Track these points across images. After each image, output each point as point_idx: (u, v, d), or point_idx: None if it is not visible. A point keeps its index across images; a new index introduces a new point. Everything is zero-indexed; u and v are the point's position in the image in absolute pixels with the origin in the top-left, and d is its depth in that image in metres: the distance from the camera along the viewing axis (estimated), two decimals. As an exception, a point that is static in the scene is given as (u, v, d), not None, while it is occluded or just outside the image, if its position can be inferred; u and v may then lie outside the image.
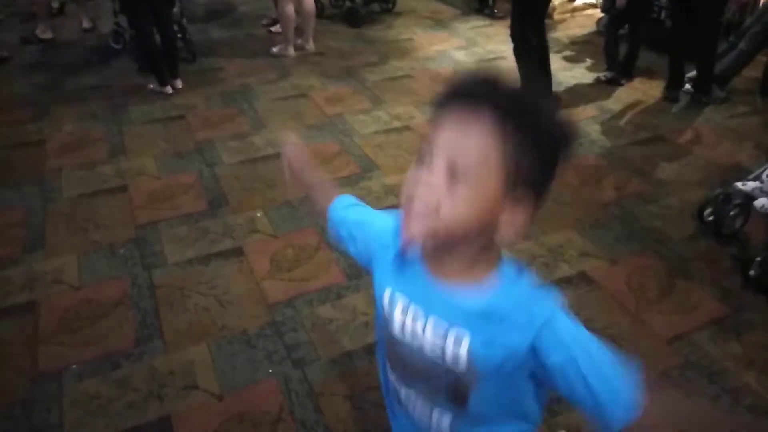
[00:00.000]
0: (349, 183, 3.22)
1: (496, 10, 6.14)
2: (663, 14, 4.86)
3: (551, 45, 4.50)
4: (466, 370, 0.85)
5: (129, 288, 2.48)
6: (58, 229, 2.86)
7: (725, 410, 1.96)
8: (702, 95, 4.20)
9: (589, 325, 2.40)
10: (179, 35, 4.63)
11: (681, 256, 2.70)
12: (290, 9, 4.81)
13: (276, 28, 5.44)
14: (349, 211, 1.10)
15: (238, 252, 2.70)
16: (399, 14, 6.21)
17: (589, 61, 5.02)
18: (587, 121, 3.95)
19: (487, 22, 6.05)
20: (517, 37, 3.95)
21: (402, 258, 0.90)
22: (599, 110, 4.15)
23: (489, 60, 5.00)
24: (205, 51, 5.08)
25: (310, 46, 5.15)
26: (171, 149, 3.59)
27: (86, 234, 2.82)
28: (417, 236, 0.79)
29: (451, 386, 0.88)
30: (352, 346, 2.20)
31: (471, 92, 0.78)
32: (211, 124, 3.89)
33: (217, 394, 2.01)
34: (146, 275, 2.56)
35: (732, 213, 2.73)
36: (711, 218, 2.81)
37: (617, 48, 4.51)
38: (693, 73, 4.26)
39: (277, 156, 3.45)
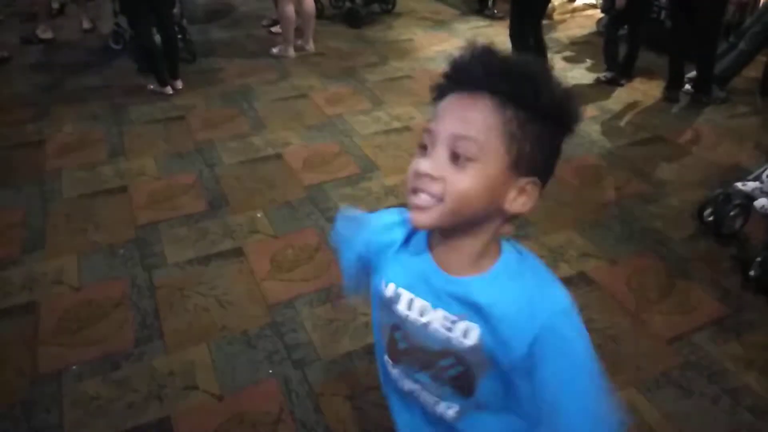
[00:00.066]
0: (349, 183, 3.22)
1: (495, 11, 6.15)
2: (663, 14, 4.87)
3: (551, 45, 4.52)
4: (471, 362, 0.85)
5: (129, 288, 2.48)
6: (58, 229, 2.86)
7: (725, 411, 1.97)
8: (702, 95, 4.20)
9: (590, 325, 2.40)
10: (179, 36, 4.63)
11: (681, 257, 2.70)
12: (290, 10, 4.82)
13: (276, 29, 5.44)
14: (350, 213, 1.09)
15: (238, 252, 2.70)
16: (399, 15, 6.21)
17: (588, 62, 5.02)
18: (587, 121, 3.95)
19: (487, 22, 6.06)
20: (515, 37, 3.95)
21: (406, 251, 0.90)
22: (599, 110, 4.15)
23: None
24: (205, 51, 5.08)
25: (310, 46, 5.15)
26: (171, 150, 3.59)
27: (86, 234, 2.82)
28: (425, 224, 0.79)
29: (456, 378, 0.88)
30: (352, 346, 2.20)
31: (468, 78, 0.77)
32: (211, 125, 3.89)
33: (217, 395, 2.01)
34: (146, 276, 2.55)
35: (732, 213, 2.73)
36: (711, 218, 2.81)
37: (617, 48, 4.51)
38: (693, 74, 4.26)
39: (278, 156, 3.48)
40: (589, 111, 4.12)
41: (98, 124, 3.89)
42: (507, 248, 0.85)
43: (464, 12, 6.37)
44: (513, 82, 0.75)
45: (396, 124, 3.91)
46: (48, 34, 5.31)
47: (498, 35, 5.51)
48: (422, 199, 0.77)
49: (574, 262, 2.65)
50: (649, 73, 4.67)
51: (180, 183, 3.23)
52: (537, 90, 0.76)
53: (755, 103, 4.26)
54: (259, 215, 2.96)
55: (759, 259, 2.49)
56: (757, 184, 2.73)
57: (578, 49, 5.34)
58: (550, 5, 4.60)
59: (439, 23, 6.02)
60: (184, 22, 4.93)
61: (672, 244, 2.79)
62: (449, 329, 0.85)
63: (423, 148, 0.79)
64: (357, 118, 3.98)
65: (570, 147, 0.85)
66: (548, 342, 0.78)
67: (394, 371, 0.98)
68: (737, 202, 2.73)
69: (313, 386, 2.04)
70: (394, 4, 6.26)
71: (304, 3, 4.91)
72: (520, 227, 2.73)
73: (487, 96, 0.75)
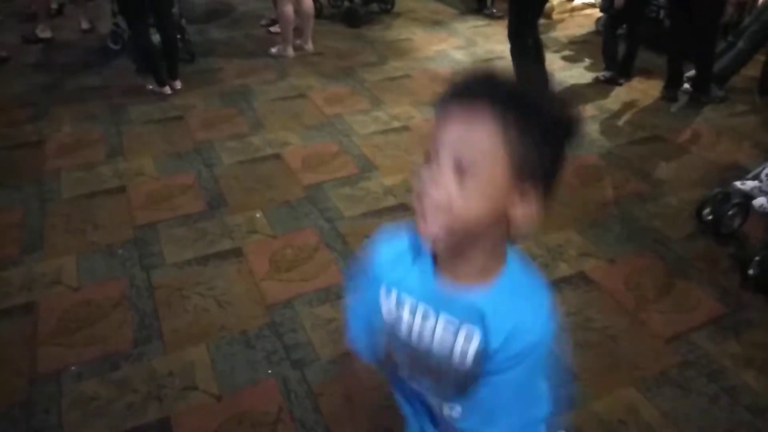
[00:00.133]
0: (347, 183, 3.22)
1: (494, 10, 6.14)
2: (661, 14, 4.87)
3: (550, 45, 4.52)
4: (472, 365, 0.86)
5: (128, 289, 2.48)
6: (56, 229, 2.86)
7: (724, 409, 1.97)
8: (701, 94, 4.20)
9: (588, 324, 2.41)
10: (178, 36, 4.62)
11: (680, 256, 2.70)
12: (289, 9, 4.81)
13: (275, 29, 5.44)
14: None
15: (237, 252, 2.70)
16: (398, 14, 6.21)
17: (587, 61, 5.02)
18: (586, 120, 3.95)
19: (486, 21, 6.05)
20: (514, 36, 3.95)
21: (411, 258, 0.91)
22: (598, 110, 4.15)
23: (488, 60, 5.00)
24: (204, 51, 5.08)
25: (309, 46, 5.15)
26: (170, 150, 3.59)
27: (85, 235, 2.82)
28: (432, 234, 0.80)
29: (460, 382, 0.89)
30: (351, 346, 2.20)
31: (470, 89, 0.78)
32: (209, 125, 3.89)
33: (216, 395, 2.01)
34: (145, 276, 2.55)
35: (731, 212, 2.73)
36: (710, 217, 2.81)
37: (616, 48, 4.51)
38: (692, 73, 4.26)
39: (276, 156, 3.48)
40: (588, 110, 4.12)
41: (97, 125, 3.88)
42: (512, 257, 0.86)
43: (463, 11, 6.36)
44: (512, 89, 0.77)
45: (395, 124, 3.91)
46: (47, 34, 5.30)
47: (496, 34, 5.51)
48: (430, 209, 0.78)
49: (573, 262, 2.65)
50: (647, 73, 4.67)
51: (179, 183, 3.23)
52: (539, 96, 0.78)
53: (754, 102, 4.26)
54: (257, 215, 2.96)
55: (758, 258, 2.50)
56: (755, 183, 2.73)
57: (577, 48, 5.34)
58: (548, 4, 4.59)
59: (438, 23, 6.01)
60: (183, 22, 4.93)
61: (671, 243, 2.79)
62: (453, 334, 0.86)
63: (428, 158, 0.80)
64: (356, 118, 3.98)
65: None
66: (522, 359, 0.83)
67: (400, 374, 1.00)
68: (736, 201, 2.73)
69: (312, 386, 2.04)
70: (392, 4, 6.25)
71: (302, 3, 4.91)
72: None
73: (487, 105, 0.75)
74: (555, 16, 6.12)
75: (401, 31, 5.74)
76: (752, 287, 2.49)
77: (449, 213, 0.77)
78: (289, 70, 4.78)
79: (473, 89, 0.78)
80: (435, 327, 0.88)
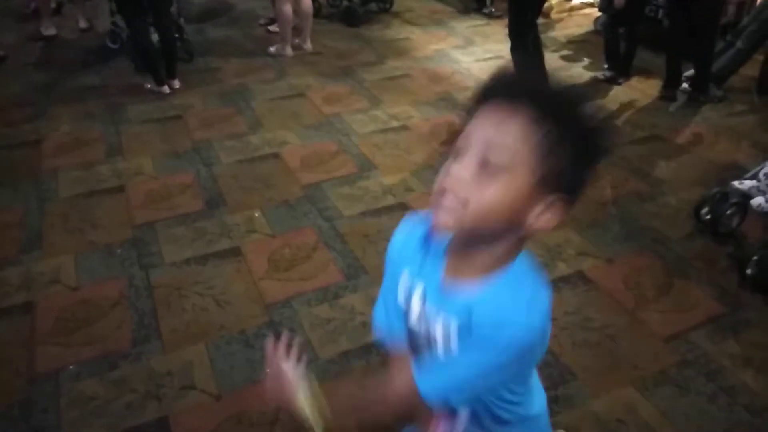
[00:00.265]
0: (346, 182, 3.22)
1: (493, 9, 6.14)
2: (660, 13, 4.87)
3: (548, 44, 4.51)
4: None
5: (126, 288, 2.48)
6: (55, 229, 2.86)
7: (722, 408, 1.97)
8: (699, 94, 4.21)
9: (587, 324, 2.41)
10: (176, 35, 4.62)
11: (678, 255, 2.71)
12: (288, 8, 4.81)
13: (273, 28, 5.44)
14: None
15: (235, 252, 2.69)
16: (396, 13, 6.21)
17: (586, 60, 5.02)
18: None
19: (485, 21, 6.05)
20: (514, 35, 3.95)
21: (425, 248, 0.91)
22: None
23: (487, 59, 5.00)
24: (203, 51, 5.07)
25: (308, 45, 5.15)
26: (168, 149, 3.58)
27: (83, 234, 2.81)
28: (447, 226, 0.80)
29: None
30: (350, 346, 2.20)
31: (511, 88, 0.78)
32: (208, 124, 3.89)
33: (215, 394, 2.01)
34: (143, 275, 2.55)
35: (729, 212, 2.74)
36: (708, 217, 2.81)
37: (618, 48, 4.50)
38: (690, 72, 4.26)
39: (275, 155, 3.48)
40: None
41: (95, 124, 3.88)
42: (520, 259, 0.85)
43: (462, 11, 6.36)
44: (554, 97, 0.77)
45: (394, 123, 3.90)
46: (51, 31, 5.31)
47: (495, 33, 5.52)
48: (448, 201, 0.78)
49: (571, 261, 2.65)
50: (646, 72, 4.67)
51: (177, 182, 3.23)
52: (577, 108, 0.77)
53: (752, 102, 4.27)
54: (256, 214, 2.96)
55: (756, 257, 2.50)
56: (754, 182, 2.73)
57: (576, 47, 5.35)
58: (547, 4, 4.59)
59: (437, 22, 6.01)
60: (182, 21, 4.92)
61: (669, 242, 2.79)
62: (447, 329, 0.87)
63: (456, 152, 0.79)
64: (354, 117, 3.98)
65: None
66: (485, 336, 0.81)
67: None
68: (734, 200, 2.73)
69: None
70: (391, 3, 6.25)
71: (301, 2, 4.91)
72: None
73: (526, 108, 0.74)
74: (553, 15, 6.13)
75: (400, 31, 5.74)
76: (750, 287, 2.49)
77: (464, 210, 0.76)
78: (288, 70, 4.77)
79: (515, 90, 0.77)
80: (436, 319, 0.89)
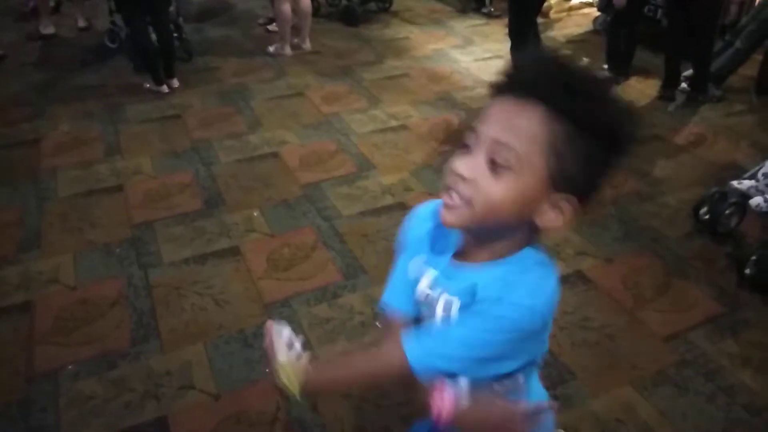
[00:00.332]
0: (345, 182, 3.22)
1: (492, 9, 6.14)
2: (659, 13, 4.87)
3: (547, 44, 4.51)
4: None
5: (125, 288, 2.48)
6: (53, 228, 2.85)
7: (721, 408, 1.97)
8: (698, 94, 4.21)
9: (586, 323, 2.41)
10: (175, 34, 4.62)
11: (677, 255, 2.71)
12: (287, 8, 4.81)
13: (272, 27, 5.43)
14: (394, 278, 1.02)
15: (234, 251, 2.69)
16: (396, 13, 6.20)
17: (585, 60, 5.01)
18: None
19: (484, 20, 6.05)
20: (515, 35, 3.95)
21: (437, 233, 0.92)
22: (596, 109, 4.14)
23: (486, 59, 5.00)
24: (202, 50, 5.07)
25: (307, 45, 5.14)
26: (167, 148, 3.58)
27: (82, 233, 2.81)
28: (451, 223, 0.80)
29: None
30: (348, 345, 2.20)
31: (527, 83, 0.74)
32: (207, 124, 3.88)
33: (214, 394, 2.01)
34: (142, 275, 2.55)
35: (727, 212, 2.74)
36: (707, 217, 2.81)
37: (620, 49, 4.50)
38: (689, 72, 4.26)
39: (274, 155, 3.48)
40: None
41: (94, 123, 3.87)
42: (533, 249, 0.84)
43: (461, 10, 6.36)
44: (567, 93, 0.72)
45: (393, 123, 3.90)
46: (50, 30, 5.31)
47: (494, 33, 5.52)
48: (453, 198, 0.77)
49: (570, 261, 2.65)
50: (645, 72, 4.67)
51: (176, 182, 3.22)
52: (592, 106, 0.73)
53: (751, 102, 4.27)
54: (255, 214, 2.96)
55: (754, 257, 2.50)
56: (752, 182, 2.73)
57: (575, 47, 5.35)
58: (546, 3, 4.59)
59: (436, 21, 6.01)
60: (180, 20, 4.91)
61: (668, 242, 2.79)
62: (449, 311, 0.87)
63: (465, 147, 0.78)
64: (353, 117, 3.98)
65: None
66: (489, 307, 0.80)
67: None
68: (733, 200, 2.73)
69: (310, 385, 2.03)
70: (390, 3, 6.25)
71: (300, 1, 4.90)
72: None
73: (538, 104, 0.72)
74: (552, 15, 6.13)
75: (399, 30, 5.73)
76: (749, 286, 2.49)
77: (469, 209, 0.76)
78: (287, 69, 4.77)
79: (531, 83, 0.74)
80: (438, 301, 0.89)
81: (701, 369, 2.12)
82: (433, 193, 3.03)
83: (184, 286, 2.49)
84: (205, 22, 5.89)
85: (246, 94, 4.31)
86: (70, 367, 2.10)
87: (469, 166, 0.76)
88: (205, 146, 3.60)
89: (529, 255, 0.83)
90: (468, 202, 0.76)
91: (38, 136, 3.70)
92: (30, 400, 1.99)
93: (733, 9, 4.03)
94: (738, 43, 4.24)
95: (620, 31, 4.45)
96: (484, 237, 0.83)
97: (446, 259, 0.89)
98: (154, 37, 4.20)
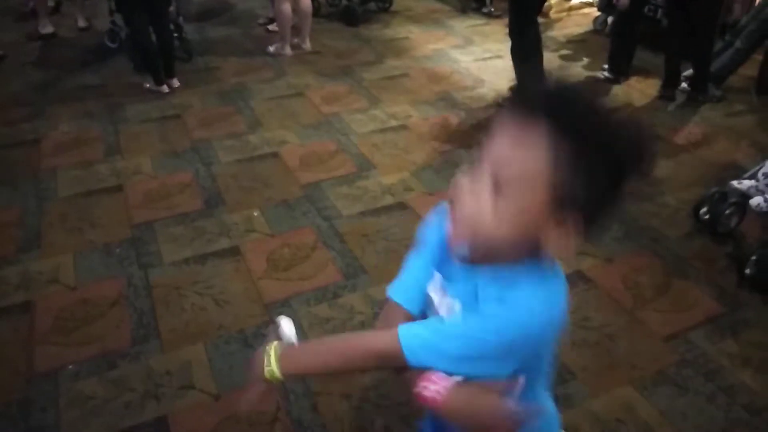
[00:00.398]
0: (345, 182, 3.22)
1: (492, 9, 6.14)
2: (659, 13, 4.87)
3: (547, 44, 4.51)
4: None
5: (125, 288, 2.48)
6: (53, 228, 2.85)
7: (721, 408, 1.98)
8: (698, 94, 4.21)
9: (586, 323, 2.41)
10: (175, 34, 4.62)
11: (677, 255, 2.71)
12: (287, 8, 4.81)
13: (273, 27, 5.43)
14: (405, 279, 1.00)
15: (234, 251, 2.69)
16: (396, 13, 6.20)
17: (585, 60, 5.02)
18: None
19: (484, 20, 6.05)
20: (516, 34, 3.95)
21: (447, 245, 0.91)
22: (596, 109, 4.14)
23: (486, 59, 5.01)
24: (202, 50, 5.07)
25: (307, 45, 5.14)
26: (167, 148, 3.58)
27: (82, 233, 2.81)
28: (455, 239, 0.80)
29: None
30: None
31: (532, 102, 0.73)
32: (207, 123, 3.88)
33: (214, 394, 2.01)
34: (142, 275, 2.55)
35: (727, 211, 2.74)
36: (707, 217, 2.81)
37: (623, 50, 4.49)
38: (689, 72, 4.26)
39: (274, 155, 3.48)
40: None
41: (94, 123, 3.87)
42: (544, 263, 0.83)
43: (461, 10, 6.35)
44: (573, 109, 0.71)
45: (393, 123, 3.90)
46: (49, 29, 5.31)
47: (494, 33, 5.52)
48: (455, 215, 0.77)
49: (570, 261, 2.65)
50: (645, 72, 4.67)
51: (176, 182, 3.22)
52: (598, 123, 0.71)
53: (751, 102, 4.27)
54: (255, 214, 2.96)
55: (754, 257, 2.50)
56: (752, 182, 2.73)
57: (575, 47, 5.35)
58: (546, 3, 4.58)
59: (436, 21, 6.01)
60: (180, 20, 4.91)
61: (668, 242, 2.79)
62: (447, 308, 0.88)
63: (473, 163, 0.77)
64: (354, 117, 3.98)
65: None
66: (488, 307, 0.80)
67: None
68: (733, 200, 2.73)
69: (309, 385, 2.03)
70: (390, 2, 6.25)
71: (300, 1, 4.90)
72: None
73: (542, 121, 0.70)
74: (552, 14, 6.13)
75: (399, 30, 5.73)
76: (749, 286, 2.49)
77: (475, 227, 0.75)
78: (287, 69, 4.77)
79: (536, 103, 0.72)
80: (442, 304, 0.89)
81: (701, 369, 2.12)
82: (433, 193, 3.06)
83: (184, 286, 2.49)
84: (205, 22, 5.89)
85: (246, 94, 4.31)
86: (70, 367, 2.10)
87: (472, 182, 0.76)
88: (205, 146, 3.60)
89: (535, 264, 0.83)
90: (472, 220, 0.76)
91: (38, 136, 3.70)
92: (30, 400, 1.98)
93: (737, 8, 4.02)
94: (738, 43, 4.24)
95: (624, 32, 4.45)
96: (485, 255, 0.82)
97: (452, 263, 0.89)
98: (154, 37, 4.20)
